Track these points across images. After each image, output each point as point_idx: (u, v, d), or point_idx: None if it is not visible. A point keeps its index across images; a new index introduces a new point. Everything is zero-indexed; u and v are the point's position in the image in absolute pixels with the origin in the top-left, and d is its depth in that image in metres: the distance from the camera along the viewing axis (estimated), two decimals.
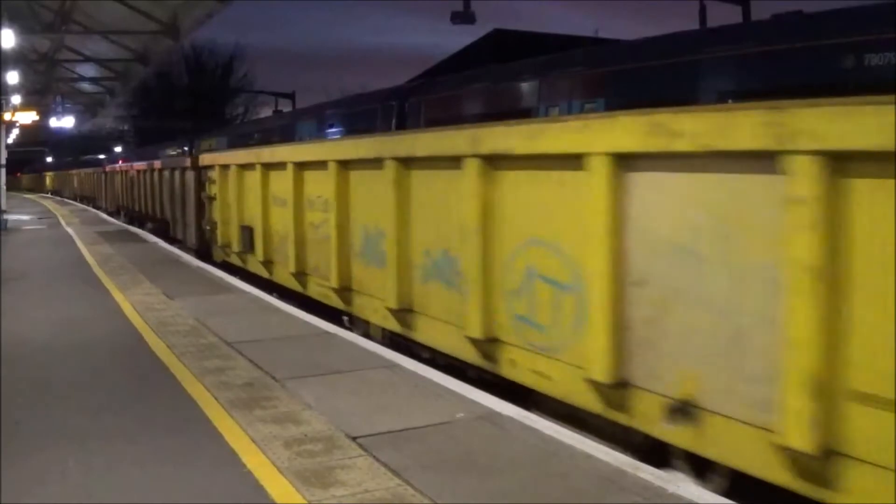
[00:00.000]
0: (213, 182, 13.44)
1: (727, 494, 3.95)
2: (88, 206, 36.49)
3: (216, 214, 13.37)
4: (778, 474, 3.61)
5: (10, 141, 32.93)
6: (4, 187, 22.88)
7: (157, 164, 20.64)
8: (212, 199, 13.57)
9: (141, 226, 22.51)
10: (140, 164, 24.05)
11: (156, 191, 20.32)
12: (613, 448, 4.49)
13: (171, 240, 17.49)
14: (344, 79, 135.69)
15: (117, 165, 31.62)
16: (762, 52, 10.61)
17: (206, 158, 14.45)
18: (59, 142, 71.22)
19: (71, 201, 42.68)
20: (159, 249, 16.07)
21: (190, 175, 15.18)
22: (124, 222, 24.65)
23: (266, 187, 10.70)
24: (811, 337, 3.40)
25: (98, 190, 35.92)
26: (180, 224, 16.73)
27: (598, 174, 4.58)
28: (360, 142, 8.35)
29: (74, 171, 49.92)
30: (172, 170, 17.59)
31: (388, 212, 7.05)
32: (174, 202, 17.36)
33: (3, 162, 23.04)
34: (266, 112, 51.81)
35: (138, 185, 23.41)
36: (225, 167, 12.78)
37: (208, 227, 13.96)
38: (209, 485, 4.06)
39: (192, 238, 15.40)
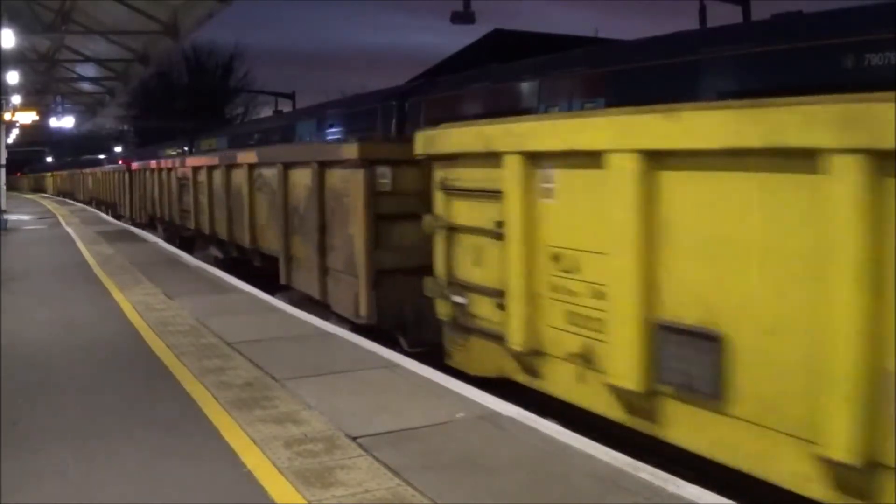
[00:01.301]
0: (484, 195, 6.06)
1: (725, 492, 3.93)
2: (107, 212, 30.30)
3: (488, 272, 6.06)
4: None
5: (10, 141, 32.96)
6: (4, 187, 22.87)
7: (246, 156, 12.14)
8: (457, 231, 6.47)
9: (187, 248, 15.78)
10: (201, 159, 15.85)
11: (240, 203, 12.25)
12: (614, 448, 4.48)
13: (280, 288, 10.40)
14: (344, 79, 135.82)
15: (151, 162, 21.94)
16: (762, 52, 10.62)
17: (455, 137, 6.42)
18: (59, 142, 71.34)
19: (71, 202, 42.53)
20: (159, 250, 16.05)
21: (347, 178, 8.14)
22: (162, 238, 18.33)
23: None
24: None
25: (120, 194, 28.05)
26: (311, 268, 9.17)
27: None
28: None
29: (88, 171, 42.41)
30: (287, 167, 10.03)
31: None
32: (292, 227, 9.94)
33: (3, 162, 23.03)
34: (266, 112, 51.89)
35: (195, 191, 15.31)
36: (559, 159, 5.34)
37: (455, 299, 6.45)
38: (209, 484, 4.06)
39: (354, 300, 8.00)
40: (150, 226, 21.26)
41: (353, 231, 7.94)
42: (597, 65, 14.05)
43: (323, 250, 8.85)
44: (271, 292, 10.01)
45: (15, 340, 7.39)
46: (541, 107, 14.79)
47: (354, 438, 4.60)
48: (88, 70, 31.71)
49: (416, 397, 5.45)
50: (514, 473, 4.09)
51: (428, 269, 6.89)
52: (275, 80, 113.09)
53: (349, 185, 8.05)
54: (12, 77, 24.36)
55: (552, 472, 4.12)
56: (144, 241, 17.92)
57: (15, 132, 39.01)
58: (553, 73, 14.98)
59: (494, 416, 4.97)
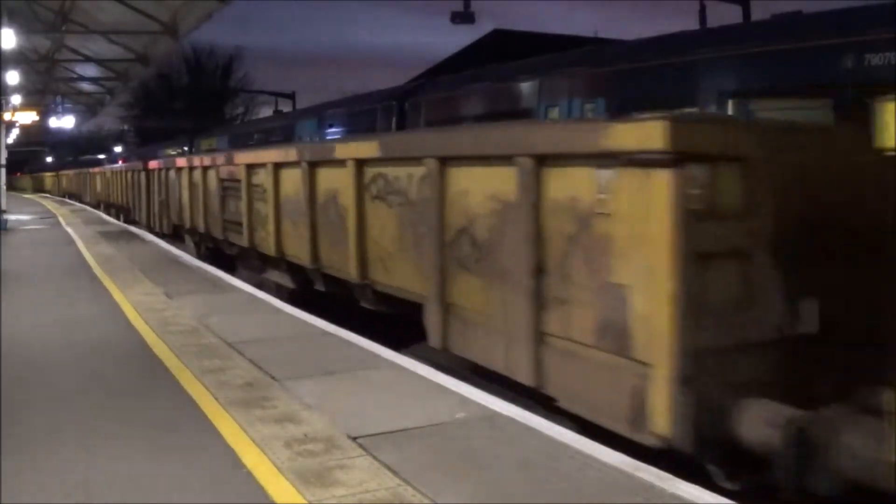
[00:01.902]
0: None
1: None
2: (118, 217, 26.43)
3: None
4: None
5: (10, 141, 32.97)
6: (4, 187, 22.87)
7: (355, 148, 8.15)
8: None
9: (226, 268, 12.36)
10: (264, 153, 11.15)
11: (338, 217, 8.36)
12: (614, 448, 4.48)
13: (407, 342, 7.27)
14: (344, 79, 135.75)
15: (178, 159, 17.53)
16: (762, 52, 10.62)
17: None
18: (59, 142, 71.40)
19: (71, 202, 42.47)
20: (159, 250, 16.04)
21: (616, 185, 4.66)
22: (195, 255, 14.62)
23: None
24: None
25: (134, 197, 23.40)
26: (507, 331, 5.56)
27: None
28: None
29: (97, 170, 38.31)
30: (445, 163, 6.33)
31: None
32: (453, 259, 6.26)
33: (3, 162, 23.03)
34: (266, 112, 51.93)
35: (250, 197, 11.23)
36: None
37: None
38: (209, 485, 4.06)
39: (630, 401, 4.51)
40: (175, 237, 17.19)
41: (632, 279, 4.52)
42: (597, 65, 14.05)
43: (539, 305, 5.20)
44: (395, 347, 6.89)
45: (15, 340, 7.38)
46: (541, 107, 14.79)
47: (354, 438, 4.60)
48: (88, 70, 31.74)
49: (416, 397, 5.45)
50: (514, 473, 4.09)
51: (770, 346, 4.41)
52: (275, 80, 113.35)
53: (618, 196, 4.63)
54: (12, 77, 24.37)
55: (552, 472, 4.12)
56: (144, 241, 17.92)
57: (15, 132, 39.02)
58: (553, 73, 14.98)
59: (494, 417, 4.97)
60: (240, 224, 11.73)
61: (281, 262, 10.30)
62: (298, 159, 9.38)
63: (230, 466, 4.25)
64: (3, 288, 10.37)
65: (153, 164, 20.54)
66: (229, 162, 12.53)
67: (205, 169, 13.96)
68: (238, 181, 11.71)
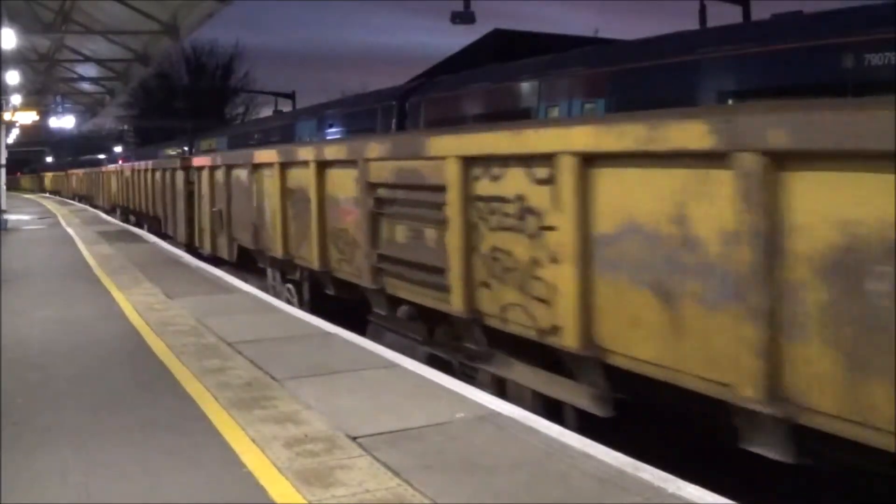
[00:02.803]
0: None
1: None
2: (139, 226, 21.89)
3: None
4: None
5: (10, 141, 32.98)
6: (4, 187, 22.87)
7: None
8: None
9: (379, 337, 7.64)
10: (574, 129, 4.89)
11: None
12: (614, 448, 4.47)
13: None
14: (344, 79, 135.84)
15: (256, 153, 11.13)
16: (762, 52, 10.62)
17: None
18: (59, 142, 71.47)
19: (71, 202, 42.43)
20: (159, 250, 16.04)
21: None
22: (290, 303, 9.70)
23: None
24: None
25: (167, 205, 17.89)
26: None
27: None
28: None
29: (112, 169, 31.92)
30: None
31: None
32: None
33: (3, 162, 23.04)
34: (266, 112, 51.98)
35: (487, 221, 5.68)
36: None
37: None
38: (209, 484, 4.06)
39: None
40: (241, 267, 12.25)
41: None
42: (597, 65, 14.06)
43: None
44: None
45: (15, 340, 7.39)
46: (541, 107, 14.80)
47: (354, 438, 4.59)
48: (88, 70, 31.75)
49: (416, 397, 5.44)
50: (514, 473, 4.09)
51: None
52: (275, 80, 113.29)
53: None
54: (12, 77, 24.39)
55: (552, 472, 4.11)
56: (145, 241, 17.90)
57: (15, 132, 39.06)
58: (553, 73, 14.99)
59: (494, 416, 4.96)
60: (434, 271, 6.42)
61: (591, 365, 4.91)
62: (726, 147, 3.81)
63: (230, 466, 4.25)
64: (4, 288, 10.37)
65: (200, 160, 15.01)
66: (401, 153, 7.13)
67: (321, 166, 8.54)
68: (429, 189, 6.47)
